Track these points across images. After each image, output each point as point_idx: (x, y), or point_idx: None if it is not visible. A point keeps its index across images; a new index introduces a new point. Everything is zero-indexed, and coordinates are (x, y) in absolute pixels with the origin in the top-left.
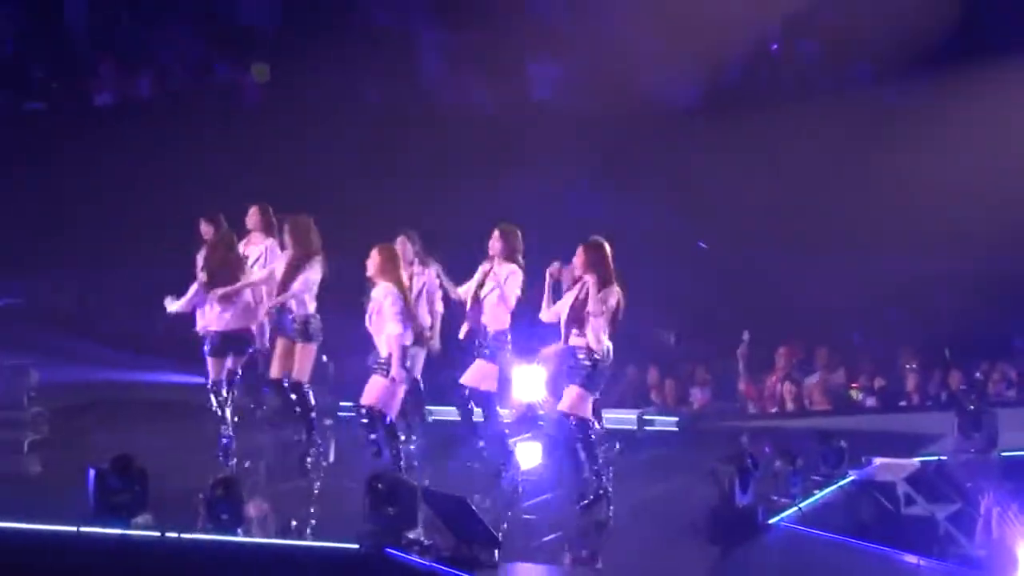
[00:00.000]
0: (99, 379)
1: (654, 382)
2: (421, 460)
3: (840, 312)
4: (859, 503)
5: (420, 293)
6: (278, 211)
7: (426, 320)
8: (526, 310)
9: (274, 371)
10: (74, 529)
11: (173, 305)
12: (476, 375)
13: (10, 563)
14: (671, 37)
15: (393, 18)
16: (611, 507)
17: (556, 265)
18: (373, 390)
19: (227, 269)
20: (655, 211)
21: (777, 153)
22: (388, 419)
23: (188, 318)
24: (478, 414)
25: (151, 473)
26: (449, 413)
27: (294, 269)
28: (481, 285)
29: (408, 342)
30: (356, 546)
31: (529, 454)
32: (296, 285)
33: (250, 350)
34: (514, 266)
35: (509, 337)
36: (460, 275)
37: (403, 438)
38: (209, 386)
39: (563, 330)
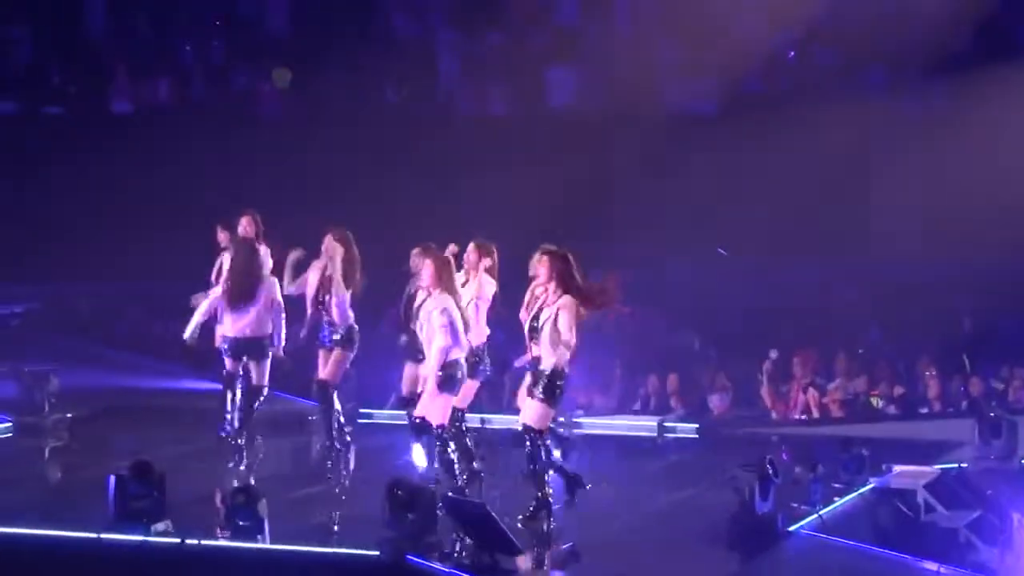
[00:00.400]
0: (119, 385)
1: (674, 389)
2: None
3: (859, 318)
4: (879, 510)
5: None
6: (297, 217)
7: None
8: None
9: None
10: (95, 535)
11: (200, 309)
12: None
13: (31, 570)
14: (689, 44)
15: (412, 24)
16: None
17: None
18: (422, 400)
19: (249, 279)
20: (673, 216)
21: (795, 159)
22: (439, 428)
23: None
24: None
25: (171, 479)
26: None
27: (336, 281)
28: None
29: (459, 356)
30: (376, 553)
31: None
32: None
33: (269, 355)
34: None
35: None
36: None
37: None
38: (224, 375)
39: (528, 342)
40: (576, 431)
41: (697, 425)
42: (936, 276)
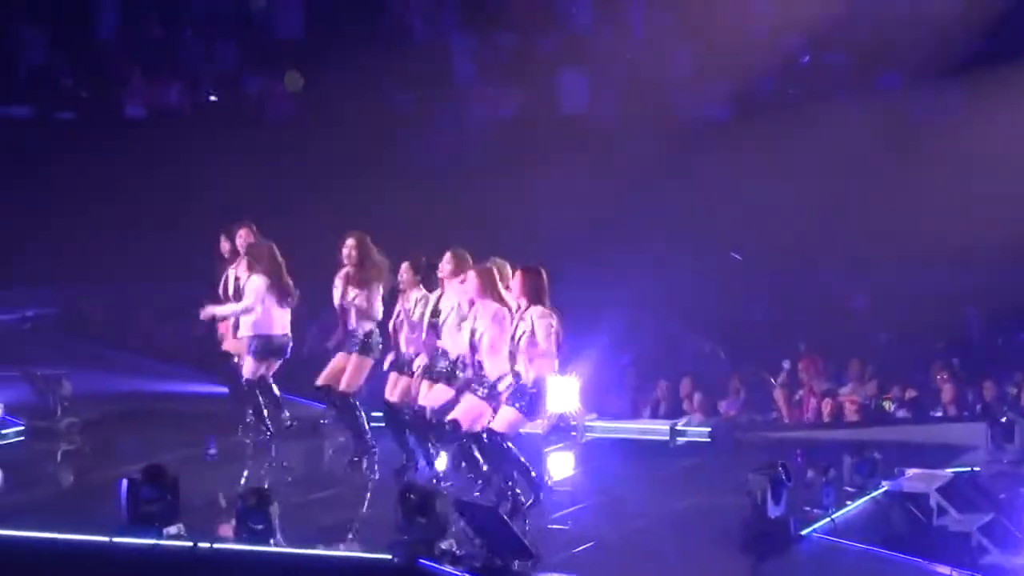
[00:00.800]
0: (132, 389)
1: (687, 393)
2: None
3: (871, 322)
4: (891, 514)
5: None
6: (309, 220)
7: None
8: None
9: (322, 379)
10: (107, 539)
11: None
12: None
13: (43, 573)
14: (703, 49)
15: (426, 27)
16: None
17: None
18: (467, 410)
19: (287, 275)
20: (686, 221)
21: (807, 164)
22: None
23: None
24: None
25: (183, 483)
26: None
27: (361, 287)
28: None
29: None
30: (389, 557)
31: (562, 464)
32: (362, 303)
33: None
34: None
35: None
36: None
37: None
38: (246, 385)
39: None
40: (589, 435)
41: (710, 429)
42: (950, 280)
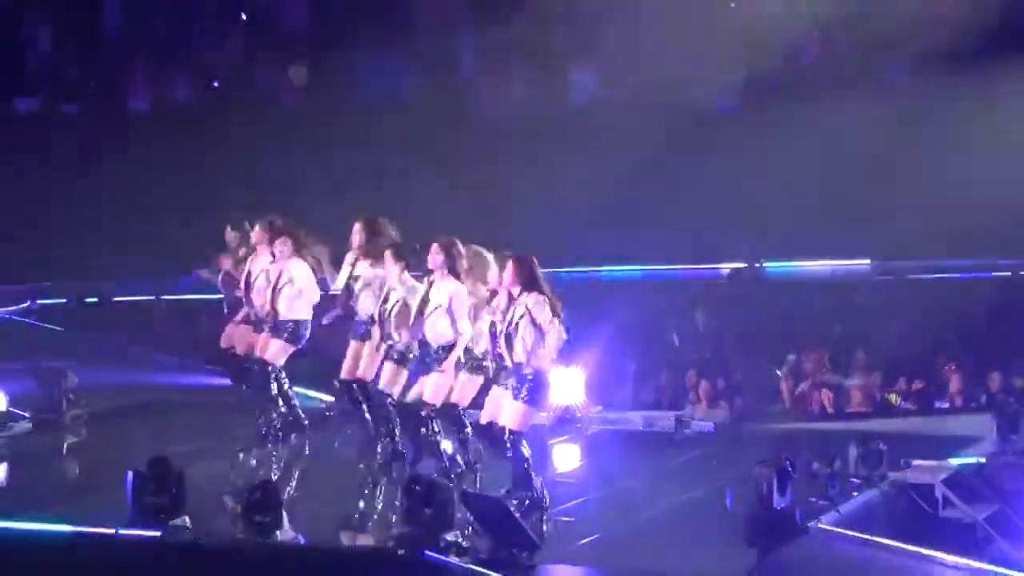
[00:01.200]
0: (137, 381)
1: (692, 384)
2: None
3: (878, 313)
4: (897, 505)
5: None
6: (316, 211)
7: None
8: None
9: (344, 372)
10: (112, 531)
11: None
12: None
13: (48, 565)
14: (711, 39)
15: (433, 18)
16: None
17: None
18: (510, 411)
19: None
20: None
21: (815, 153)
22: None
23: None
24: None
25: (188, 476)
26: None
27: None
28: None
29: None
30: (394, 548)
31: (567, 456)
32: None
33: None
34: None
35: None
36: None
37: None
38: (274, 372)
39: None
40: (594, 426)
41: (715, 421)
42: (957, 271)
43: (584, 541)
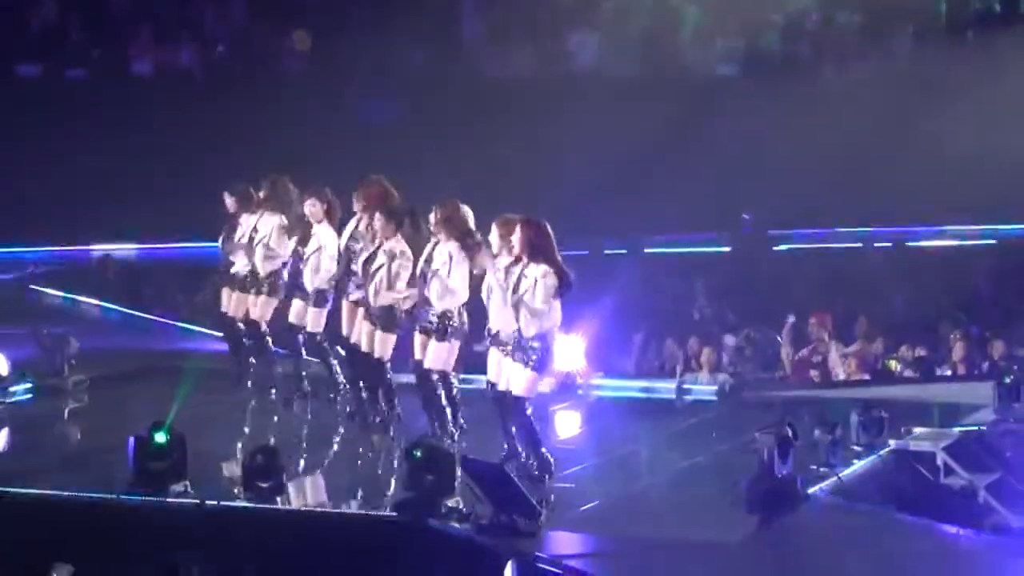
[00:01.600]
0: (139, 347)
1: (694, 351)
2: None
3: (881, 281)
4: (898, 473)
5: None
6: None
7: None
8: None
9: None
10: (114, 496)
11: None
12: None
13: (50, 530)
14: (712, 6)
15: None
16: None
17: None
18: (519, 379)
19: None
20: (694, 179)
21: (818, 121)
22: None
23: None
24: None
25: (190, 441)
26: None
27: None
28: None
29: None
30: (395, 514)
31: (568, 422)
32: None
33: None
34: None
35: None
36: None
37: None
38: (320, 337)
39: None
40: (595, 392)
41: (716, 387)
42: (960, 239)
43: (585, 508)
